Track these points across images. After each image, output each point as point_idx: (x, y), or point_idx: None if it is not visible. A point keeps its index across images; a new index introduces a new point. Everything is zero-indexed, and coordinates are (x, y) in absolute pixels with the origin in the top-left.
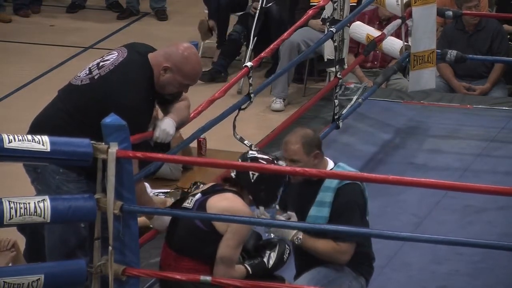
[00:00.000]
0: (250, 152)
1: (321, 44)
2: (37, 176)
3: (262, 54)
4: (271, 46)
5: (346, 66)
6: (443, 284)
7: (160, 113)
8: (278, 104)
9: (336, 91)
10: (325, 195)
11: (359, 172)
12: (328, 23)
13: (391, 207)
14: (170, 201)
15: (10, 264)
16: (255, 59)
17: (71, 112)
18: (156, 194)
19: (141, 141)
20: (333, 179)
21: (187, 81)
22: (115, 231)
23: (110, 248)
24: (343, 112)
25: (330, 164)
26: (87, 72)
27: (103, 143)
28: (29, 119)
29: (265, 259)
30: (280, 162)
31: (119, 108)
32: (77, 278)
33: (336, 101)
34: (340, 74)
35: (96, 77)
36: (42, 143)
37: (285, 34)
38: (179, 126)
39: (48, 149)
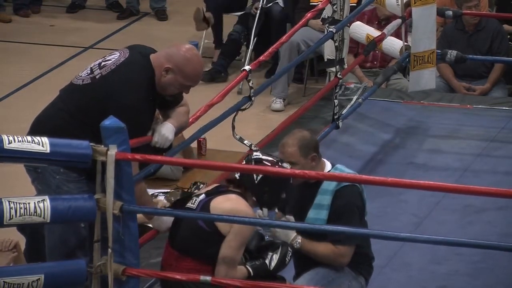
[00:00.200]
0: (255, 154)
1: (321, 44)
2: (38, 176)
3: (261, 58)
4: (270, 49)
5: (346, 66)
6: (443, 284)
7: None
8: (278, 104)
9: (336, 91)
10: (323, 198)
11: (357, 174)
12: (328, 23)
13: (391, 207)
14: (163, 202)
15: (11, 265)
16: (254, 62)
17: (72, 112)
18: (156, 194)
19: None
20: (331, 181)
21: (189, 82)
22: (114, 232)
23: (109, 248)
24: (343, 112)
25: (328, 166)
26: (89, 71)
27: (102, 145)
28: (29, 119)
29: (267, 261)
30: (285, 164)
31: (120, 108)
32: (77, 278)
33: (336, 101)
34: (340, 74)
35: (97, 76)
36: (42, 144)
37: (284, 37)
38: (178, 131)
39: (48, 151)
